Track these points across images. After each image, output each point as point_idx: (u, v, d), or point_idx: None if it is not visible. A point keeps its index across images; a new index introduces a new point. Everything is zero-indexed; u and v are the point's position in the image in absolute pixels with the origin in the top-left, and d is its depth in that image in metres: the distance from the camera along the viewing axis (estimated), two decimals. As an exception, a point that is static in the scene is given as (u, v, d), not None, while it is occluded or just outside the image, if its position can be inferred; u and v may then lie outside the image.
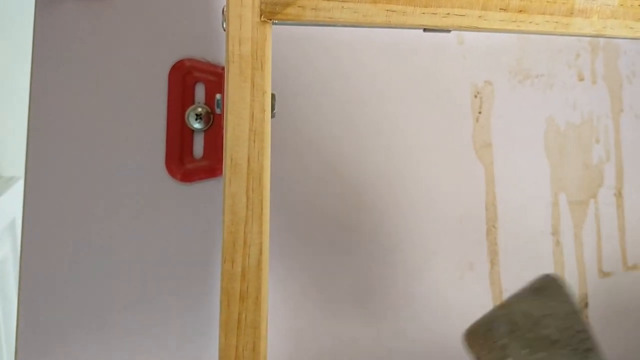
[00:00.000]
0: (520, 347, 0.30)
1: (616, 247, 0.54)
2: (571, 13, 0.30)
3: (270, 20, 0.27)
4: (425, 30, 0.29)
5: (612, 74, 0.55)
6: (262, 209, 0.27)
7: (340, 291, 0.46)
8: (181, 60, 0.44)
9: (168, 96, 0.44)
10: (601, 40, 0.54)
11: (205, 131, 0.44)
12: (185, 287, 0.43)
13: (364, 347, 0.47)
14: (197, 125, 0.43)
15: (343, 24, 0.28)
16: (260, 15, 0.27)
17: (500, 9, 0.29)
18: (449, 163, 0.50)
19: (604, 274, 0.53)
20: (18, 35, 0.87)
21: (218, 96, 0.40)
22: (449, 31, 0.30)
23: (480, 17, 0.29)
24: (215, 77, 0.44)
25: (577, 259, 0.53)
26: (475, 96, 0.51)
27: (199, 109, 0.44)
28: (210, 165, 0.44)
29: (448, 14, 0.28)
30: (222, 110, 0.39)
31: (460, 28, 0.29)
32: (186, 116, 0.43)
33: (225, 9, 0.27)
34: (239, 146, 0.27)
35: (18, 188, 0.90)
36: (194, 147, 0.44)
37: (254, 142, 0.27)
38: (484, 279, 0.50)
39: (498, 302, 0.50)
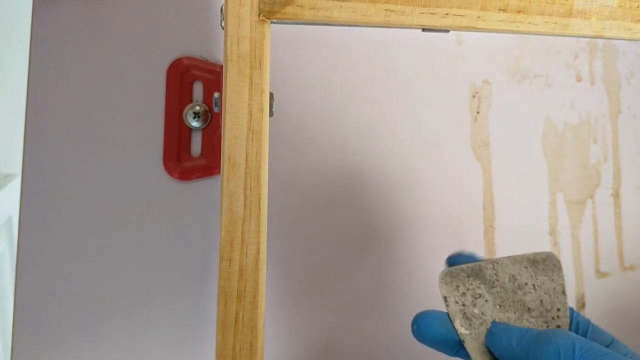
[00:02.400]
0: (494, 302, 0.31)
1: (613, 248, 0.54)
2: (570, 14, 0.30)
3: (269, 19, 0.27)
4: (423, 30, 0.29)
5: (610, 74, 0.55)
6: (259, 208, 0.27)
7: (338, 290, 0.46)
8: (179, 59, 0.44)
9: (166, 94, 0.43)
10: (600, 41, 0.54)
11: (203, 130, 0.44)
12: (183, 286, 0.43)
13: (362, 346, 0.47)
14: (195, 123, 0.43)
15: (342, 24, 0.28)
16: (259, 14, 0.27)
17: (499, 9, 0.29)
18: (447, 162, 0.50)
19: (601, 274, 0.53)
20: (15, 33, 0.87)
21: (216, 95, 0.40)
22: (447, 31, 0.30)
23: (479, 17, 0.29)
24: (213, 76, 0.44)
25: (575, 259, 0.53)
26: (474, 96, 0.51)
27: (197, 108, 0.43)
28: (208, 164, 0.44)
29: (447, 14, 0.28)
30: (220, 109, 0.39)
31: (459, 28, 0.29)
32: (184, 114, 0.43)
33: (223, 8, 0.27)
34: (237, 145, 0.27)
35: (15, 185, 0.90)
36: (191, 145, 0.44)
37: (252, 141, 0.27)
38: (481, 279, 0.50)
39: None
